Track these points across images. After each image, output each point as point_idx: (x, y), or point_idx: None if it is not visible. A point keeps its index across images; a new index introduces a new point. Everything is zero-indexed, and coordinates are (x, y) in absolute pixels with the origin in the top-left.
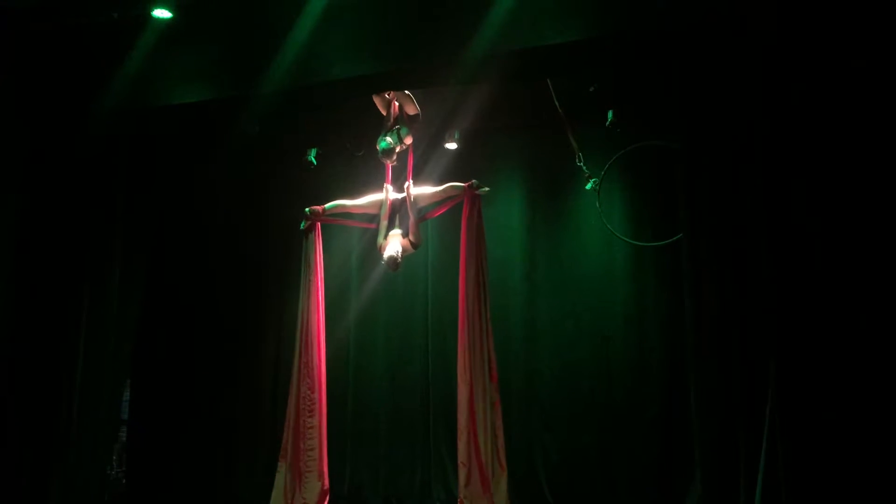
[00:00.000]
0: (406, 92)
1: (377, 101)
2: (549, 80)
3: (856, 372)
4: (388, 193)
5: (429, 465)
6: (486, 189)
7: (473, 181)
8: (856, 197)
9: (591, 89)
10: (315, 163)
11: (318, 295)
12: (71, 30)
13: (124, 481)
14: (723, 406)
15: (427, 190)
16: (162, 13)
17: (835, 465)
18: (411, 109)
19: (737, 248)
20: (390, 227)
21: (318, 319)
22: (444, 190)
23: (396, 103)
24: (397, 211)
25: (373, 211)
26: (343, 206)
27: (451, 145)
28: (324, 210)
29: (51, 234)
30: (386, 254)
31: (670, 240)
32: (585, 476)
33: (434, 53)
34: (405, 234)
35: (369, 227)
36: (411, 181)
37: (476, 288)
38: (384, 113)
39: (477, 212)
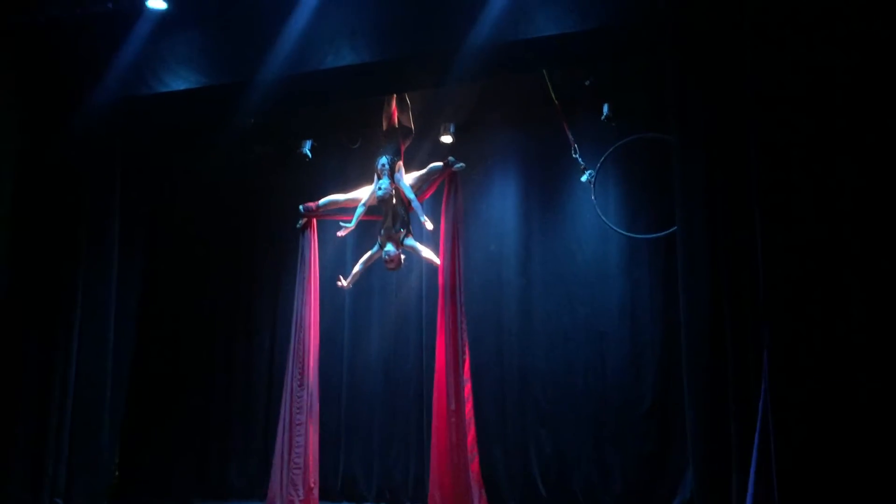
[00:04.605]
0: (407, 102)
1: (384, 116)
2: (545, 73)
3: (850, 367)
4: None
5: (422, 460)
6: (462, 165)
7: (450, 158)
8: (849, 189)
9: (587, 83)
10: (310, 155)
11: (312, 292)
12: (67, 19)
13: (117, 473)
14: (716, 400)
15: (411, 176)
16: (156, 3)
17: (827, 461)
18: (406, 122)
19: (731, 241)
20: (384, 221)
21: (312, 316)
22: (426, 172)
23: (396, 112)
24: (386, 201)
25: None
26: (336, 202)
27: (446, 138)
28: (317, 206)
29: (48, 224)
30: (388, 257)
31: (665, 232)
32: (579, 470)
33: (430, 43)
34: (397, 231)
35: (365, 220)
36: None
37: (451, 270)
38: (385, 126)
39: (455, 189)
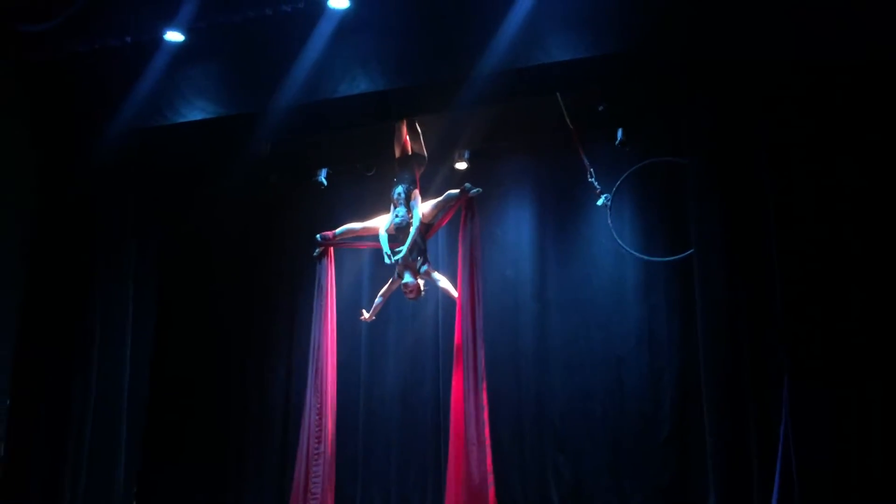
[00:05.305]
0: (417, 130)
1: (395, 144)
2: (559, 97)
3: (873, 391)
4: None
5: (440, 488)
6: (479, 190)
7: (466, 184)
8: (866, 209)
9: (600, 108)
10: (325, 183)
11: (330, 321)
12: (85, 53)
13: (134, 502)
14: (736, 427)
15: (428, 204)
16: (174, 36)
17: (850, 488)
18: (419, 149)
19: (748, 263)
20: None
21: (330, 346)
22: (443, 199)
23: (408, 140)
24: (403, 230)
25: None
26: (353, 231)
27: (461, 165)
28: (334, 235)
29: (65, 252)
30: (407, 288)
31: (682, 255)
32: (599, 498)
33: (444, 69)
34: (414, 259)
35: (380, 249)
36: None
37: (469, 296)
38: (398, 154)
39: (472, 216)
